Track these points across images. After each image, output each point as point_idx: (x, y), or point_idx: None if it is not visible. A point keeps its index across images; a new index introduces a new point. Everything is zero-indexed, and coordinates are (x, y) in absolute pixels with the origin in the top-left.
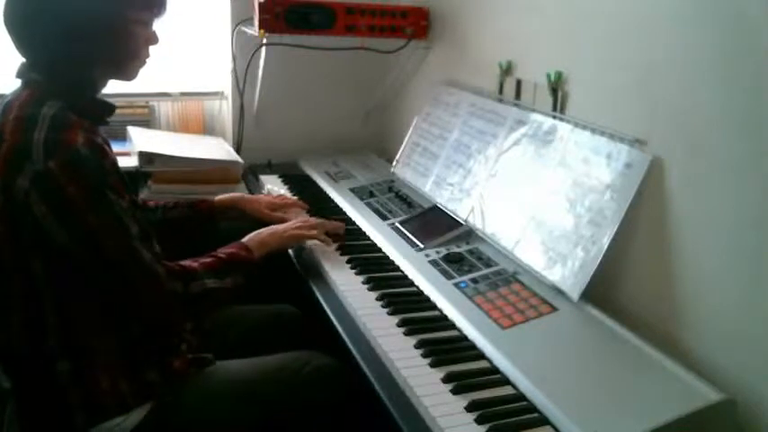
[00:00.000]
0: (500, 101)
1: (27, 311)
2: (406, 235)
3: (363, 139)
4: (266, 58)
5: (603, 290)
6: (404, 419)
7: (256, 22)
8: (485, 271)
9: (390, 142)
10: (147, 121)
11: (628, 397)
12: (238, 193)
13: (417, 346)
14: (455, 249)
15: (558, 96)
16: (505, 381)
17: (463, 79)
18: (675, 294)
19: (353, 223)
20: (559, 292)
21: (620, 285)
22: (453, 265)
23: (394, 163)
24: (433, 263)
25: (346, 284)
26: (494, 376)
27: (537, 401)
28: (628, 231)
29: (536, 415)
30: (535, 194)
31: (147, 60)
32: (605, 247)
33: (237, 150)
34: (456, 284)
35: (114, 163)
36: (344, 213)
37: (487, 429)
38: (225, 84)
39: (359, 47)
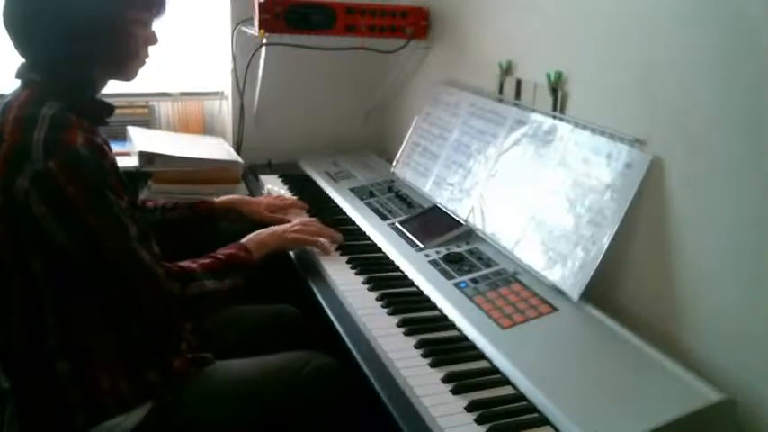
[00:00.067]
0: (500, 101)
1: (27, 311)
2: (406, 235)
3: (363, 139)
4: (266, 58)
5: (603, 290)
6: (404, 419)
7: (256, 22)
8: (485, 271)
9: (390, 142)
10: (147, 121)
11: (628, 397)
12: (238, 196)
13: (417, 346)
14: (455, 249)
15: (558, 96)
16: (505, 381)
17: (463, 79)
18: (675, 294)
19: (353, 223)
20: (559, 292)
21: (620, 285)
22: (453, 265)
23: (394, 163)
24: (433, 263)
25: (346, 284)
26: (494, 376)
27: (537, 401)
28: (628, 231)
29: (536, 415)
30: (535, 194)
31: (146, 61)
32: (605, 247)
33: (237, 150)
34: (456, 284)
35: (114, 163)
36: (344, 213)
37: (487, 429)
38: (225, 84)
39: (359, 47)
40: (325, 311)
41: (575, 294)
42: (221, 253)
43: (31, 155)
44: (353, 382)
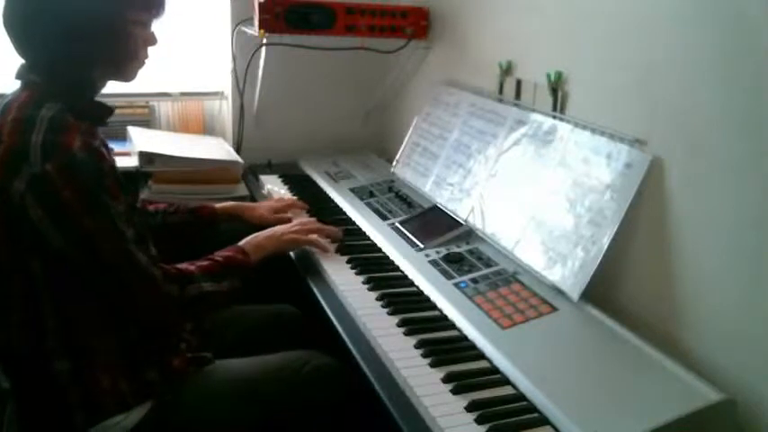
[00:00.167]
0: (500, 101)
1: (26, 311)
2: (406, 235)
3: (363, 139)
4: (266, 58)
5: (603, 290)
6: (404, 419)
7: (256, 22)
8: (485, 271)
9: (390, 142)
10: (147, 121)
11: (628, 397)
12: (239, 202)
13: (417, 346)
14: (455, 249)
15: (558, 96)
16: (505, 381)
17: (463, 79)
18: (675, 294)
19: (353, 223)
20: (559, 292)
21: (620, 285)
22: (453, 265)
23: (394, 163)
24: (433, 263)
25: (346, 284)
26: (494, 376)
27: (537, 401)
28: (628, 231)
29: (536, 415)
30: (535, 194)
31: (145, 61)
32: (605, 247)
33: (237, 150)
34: (456, 284)
35: (112, 166)
36: (344, 213)
37: (487, 429)
38: (225, 84)
39: (359, 47)
40: (325, 311)
41: (575, 294)
42: (219, 255)
43: (29, 157)
44: (353, 381)
